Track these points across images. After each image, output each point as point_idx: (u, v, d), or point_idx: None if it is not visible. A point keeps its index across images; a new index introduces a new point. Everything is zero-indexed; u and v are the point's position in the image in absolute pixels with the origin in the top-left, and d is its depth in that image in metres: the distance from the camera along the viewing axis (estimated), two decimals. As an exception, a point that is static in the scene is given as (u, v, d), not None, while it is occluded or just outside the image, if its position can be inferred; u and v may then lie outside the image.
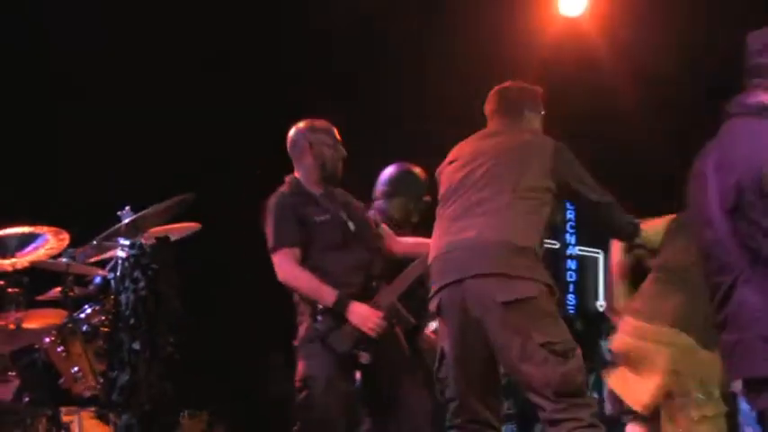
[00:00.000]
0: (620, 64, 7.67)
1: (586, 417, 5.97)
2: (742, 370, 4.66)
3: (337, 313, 6.81)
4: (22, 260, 6.43)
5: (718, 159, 4.71)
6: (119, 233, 6.02)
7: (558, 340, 5.83)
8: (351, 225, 7.26)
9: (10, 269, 6.41)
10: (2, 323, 6.20)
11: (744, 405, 7.21)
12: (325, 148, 7.35)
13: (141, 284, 5.84)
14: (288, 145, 7.40)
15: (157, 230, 6.23)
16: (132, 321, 5.80)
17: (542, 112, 6.74)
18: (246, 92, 12.14)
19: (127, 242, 5.93)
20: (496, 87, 6.80)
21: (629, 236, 6.76)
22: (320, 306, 6.89)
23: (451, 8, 12.02)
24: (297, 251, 6.96)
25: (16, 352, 6.50)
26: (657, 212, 6.64)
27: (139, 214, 6.04)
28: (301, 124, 7.40)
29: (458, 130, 7.20)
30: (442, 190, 6.29)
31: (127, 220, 6.03)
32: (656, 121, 10.94)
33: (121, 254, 5.94)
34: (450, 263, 5.98)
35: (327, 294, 6.83)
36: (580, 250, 21.01)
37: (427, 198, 7.78)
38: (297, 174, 7.37)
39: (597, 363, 12.68)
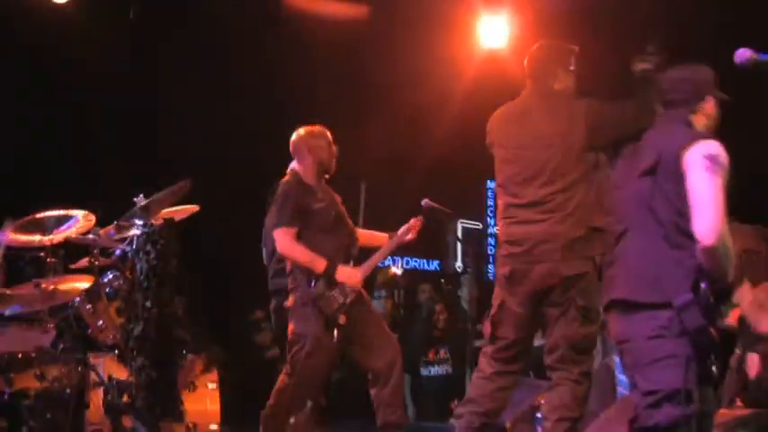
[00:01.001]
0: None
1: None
2: (616, 293, 4.77)
3: (328, 280, 7.06)
4: (58, 237, 6.48)
5: (643, 143, 4.93)
6: (134, 215, 6.10)
7: None
8: (339, 214, 7.52)
9: (48, 244, 6.46)
10: (42, 286, 6.27)
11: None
12: (321, 150, 7.63)
13: (152, 256, 5.97)
14: (291, 147, 7.55)
15: (164, 213, 6.26)
16: (145, 285, 5.94)
17: (572, 68, 6.59)
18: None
19: (141, 222, 6.05)
20: (532, 48, 6.75)
21: None
22: (314, 274, 7.13)
23: (387, 40, 11.42)
24: (294, 230, 7.14)
25: (53, 308, 6.51)
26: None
27: (150, 200, 6.09)
28: (302, 131, 7.52)
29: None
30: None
31: (141, 204, 6.09)
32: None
33: (136, 232, 6.08)
34: None
35: (319, 263, 7.04)
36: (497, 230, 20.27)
37: None
38: (298, 169, 7.62)
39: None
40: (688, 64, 5.04)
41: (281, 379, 7.31)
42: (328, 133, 7.58)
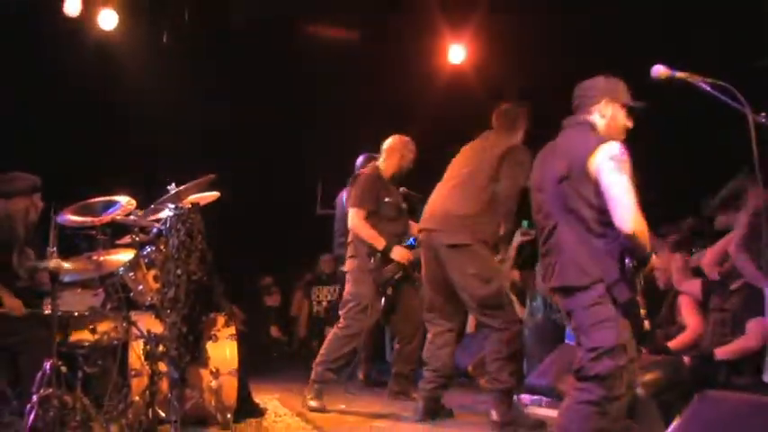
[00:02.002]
0: (494, 101, 7.66)
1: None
2: (558, 281, 4.84)
3: (384, 257, 7.58)
4: (105, 218, 6.47)
5: (555, 150, 4.98)
6: (167, 201, 6.11)
7: None
8: (400, 208, 8.01)
9: (98, 224, 6.44)
10: (93, 258, 6.26)
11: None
12: (406, 158, 7.89)
13: (182, 233, 6.00)
14: (387, 144, 8.02)
15: (191, 199, 6.24)
16: (176, 256, 5.96)
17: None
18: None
19: (172, 206, 6.06)
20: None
21: None
22: (373, 249, 7.67)
23: (373, 56, 11.45)
24: (365, 212, 7.68)
25: (102, 276, 6.53)
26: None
27: (180, 188, 6.09)
28: (399, 137, 8.06)
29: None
30: None
31: (172, 192, 6.09)
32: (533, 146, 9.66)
33: (169, 213, 6.09)
34: None
35: (380, 242, 7.62)
36: None
37: None
38: (380, 163, 7.95)
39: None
40: (602, 74, 5.05)
41: (333, 332, 7.74)
42: (414, 147, 8.01)
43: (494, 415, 6.79)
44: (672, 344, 7.17)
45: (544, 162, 5.05)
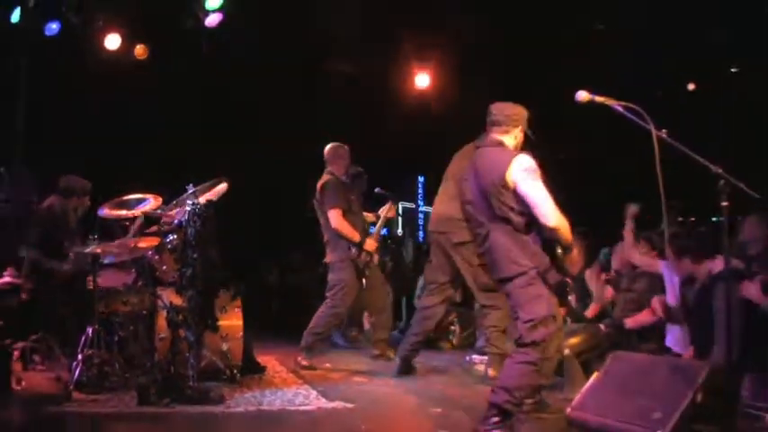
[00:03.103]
0: (457, 121, 7.69)
1: None
2: (497, 274, 4.88)
3: (360, 247, 7.54)
4: (137, 211, 6.54)
5: (476, 168, 4.94)
6: (186, 198, 6.09)
7: None
8: (358, 204, 7.92)
9: (131, 216, 6.54)
10: (128, 244, 6.35)
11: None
12: (347, 160, 7.88)
13: (198, 224, 5.92)
14: (326, 155, 7.85)
15: (205, 196, 6.18)
16: (193, 243, 5.90)
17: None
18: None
19: (191, 202, 6.00)
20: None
21: None
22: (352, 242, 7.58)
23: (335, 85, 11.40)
24: (341, 211, 7.57)
25: (135, 259, 6.58)
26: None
27: (197, 188, 6.10)
28: (333, 145, 7.87)
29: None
30: None
31: (190, 191, 6.07)
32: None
33: (188, 208, 6.00)
34: None
35: (356, 236, 7.56)
36: (425, 208, 19.73)
37: None
38: (331, 170, 7.80)
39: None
40: (510, 101, 5.08)
41: (322, 308, 7.70)
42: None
43: (490, 372, 6.77)
44: (588, 313, 7.28)
45: (469, 179, 5.00)
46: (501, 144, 4.96)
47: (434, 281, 7.25)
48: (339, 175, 7.79)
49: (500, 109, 5.03)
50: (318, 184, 7.81)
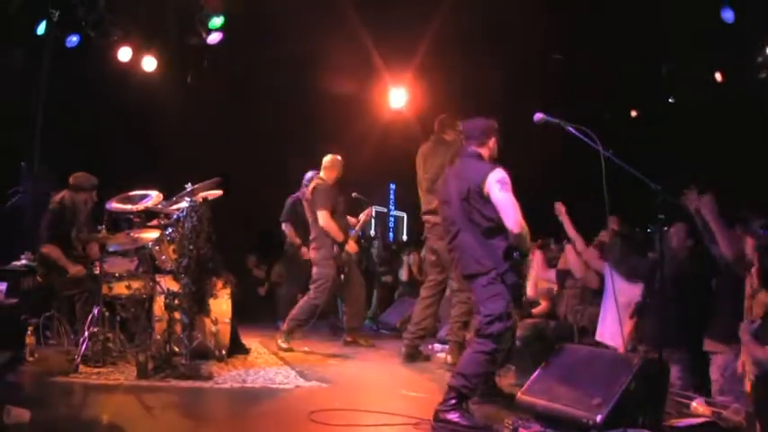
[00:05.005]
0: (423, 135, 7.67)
1: None
2: (463, 270, 4.92)
3: (342, 246, 7.56)
4: (140, 206, 6.48)
5: (458, 174, 4.99)
6: (184, 195, 6.05)
7: None
8: (343, 208, 7.89)
9: (136, 210, 6.47)
10: (131, 234, 6.33)
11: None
12: (339, 171, 7.83)
13: (194, 219, 5.93)
14: (326, 161, 7.82)
15: (202, 195, 6.14)
16: (189, 236, 5.88)
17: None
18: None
19: (188, 199, 5.99)
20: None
21: None
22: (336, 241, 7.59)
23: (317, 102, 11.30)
24: (329, 213, 7.57)
25: (137, 248, 6.55)
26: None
27: (194, 187, 6.02)
28: (334, 157, 7.85)
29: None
30: None
31: (188, 189, 6.01)
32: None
33: (185, 205, 6.01)
34: None
35: (341, 236, 7.56)
36: (396, 212, 19.70)
37: None
38: (323, 175, 7.80)
39: (397, 280, 11.90)
40: (482, 115, 5.13)
41: (305, 299, 7.70)
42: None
43: (449, 359, 6.77)
44: (535, 311, 7.30)
45: (449, 182, 5.03)
46: (480, 156, 5.02)
47: (433, 279, 7.30)
48: (330, 180, 7.83)
49: (473, 125, 5.11)
50: (310, 187, 7.83)
